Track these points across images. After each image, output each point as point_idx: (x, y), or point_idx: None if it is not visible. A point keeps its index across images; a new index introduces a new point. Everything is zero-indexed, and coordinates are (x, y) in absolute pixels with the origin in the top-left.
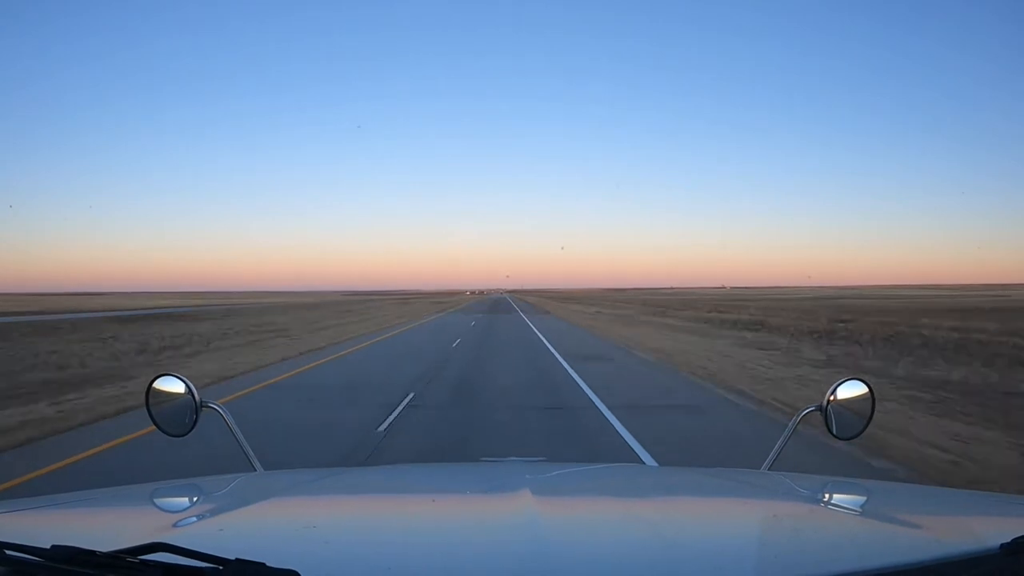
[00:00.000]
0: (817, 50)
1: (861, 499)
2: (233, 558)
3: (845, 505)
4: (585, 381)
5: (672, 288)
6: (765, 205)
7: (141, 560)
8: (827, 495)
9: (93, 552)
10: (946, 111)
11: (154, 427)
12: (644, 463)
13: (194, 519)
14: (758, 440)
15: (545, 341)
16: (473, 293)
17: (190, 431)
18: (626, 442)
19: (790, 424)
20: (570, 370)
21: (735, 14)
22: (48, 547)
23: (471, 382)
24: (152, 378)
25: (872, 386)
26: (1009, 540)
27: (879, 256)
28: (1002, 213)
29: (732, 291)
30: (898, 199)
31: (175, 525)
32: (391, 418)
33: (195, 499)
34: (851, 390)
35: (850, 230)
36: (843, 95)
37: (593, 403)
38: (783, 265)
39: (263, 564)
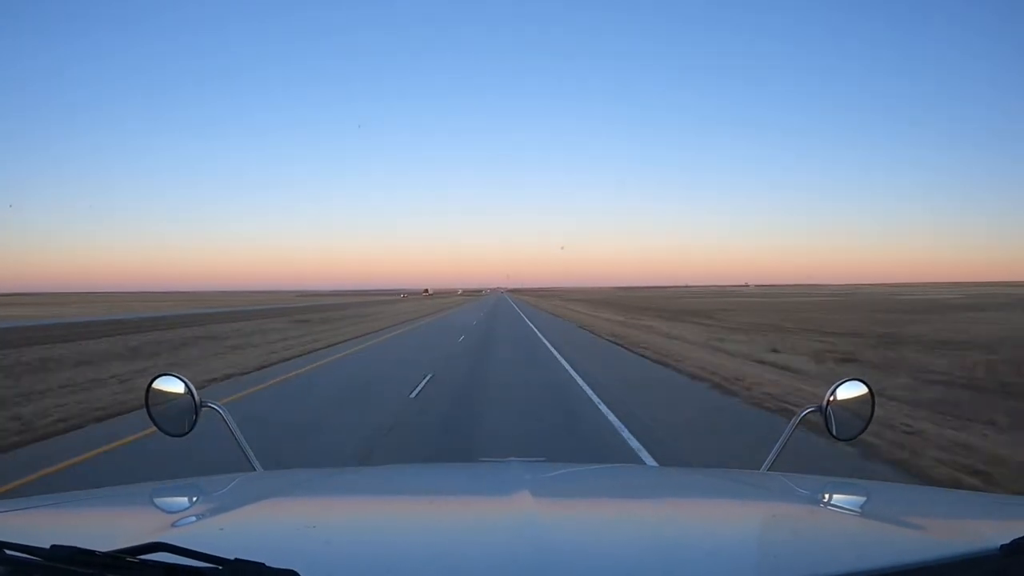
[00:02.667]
0: (839, 43)
1: (861, 499)
2: (233, 558)
3: (845, 505)
4: None
5: (687, 286)
6: (788, 201)
7: (141, 560)
8: (827, 495)
9: (93, 552)
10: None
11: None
12: (644, 464)
13: (194, 519)
14: None
15: None
16: (426, 294)
17: (190, 431)
18: None
19: (789, 424)
20: None
21: (746, 9)
22: (48, 547)
23: None
24: (151, 378)
25: (872, 387)
26: (1009, 540)
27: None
28: None
29: (756, 289)
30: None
31: (175, 525)
32: None
33: (195, 499)
34: (851, 391)
35: (866, 228)
36: (857, 90)
37: None
38: (808, 263)
39: (263, 564)
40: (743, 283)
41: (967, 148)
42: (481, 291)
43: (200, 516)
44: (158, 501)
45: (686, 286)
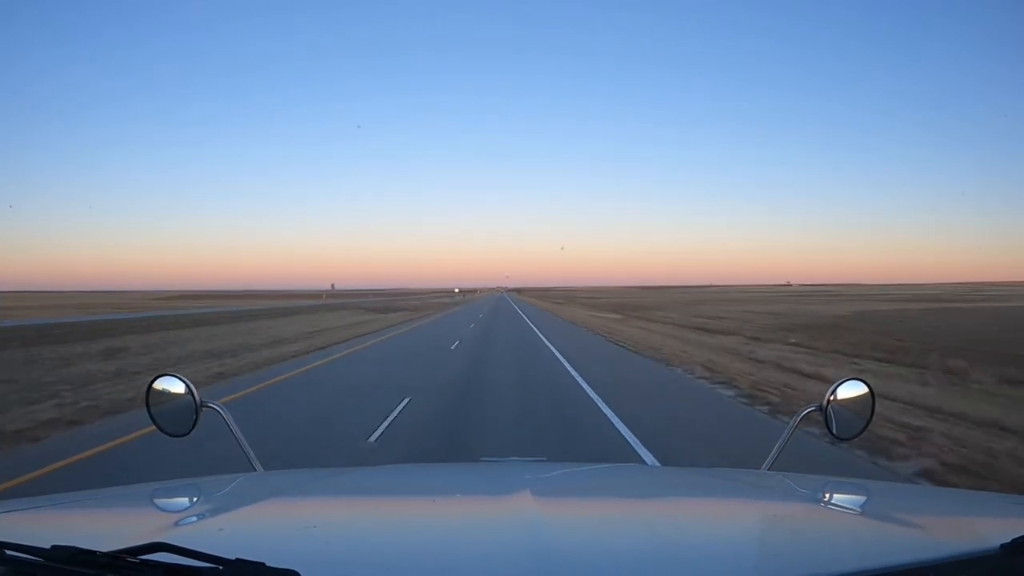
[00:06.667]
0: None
1: (861, 499)
2: (233, 558)
3: (845, 505)
4: None
5: (711, 286)
6: (825, 199)
7: (141, 560)
8: (827, 495)
9: (93, 552)
10: None
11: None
12: (644, 463)
13: (194, 519)
14: None
15: None
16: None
17: (190, 431)
18: None
19: (790, 424)
20: None
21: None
22: (48, 547)
23: None
24: (152, 378)
25: (872, 386)
26: (1009, 540)
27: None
28: None
29: (799, 288)
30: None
31: (175, 525)
32: None
33: (195, 499)
34: (851, 390)
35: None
36: (875, 86)
37: None
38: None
39: (263, 564)
40: (785, 282)
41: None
42: (477, 290)
43: (200, 516)
44: (158, 501)
45: (709, 285)
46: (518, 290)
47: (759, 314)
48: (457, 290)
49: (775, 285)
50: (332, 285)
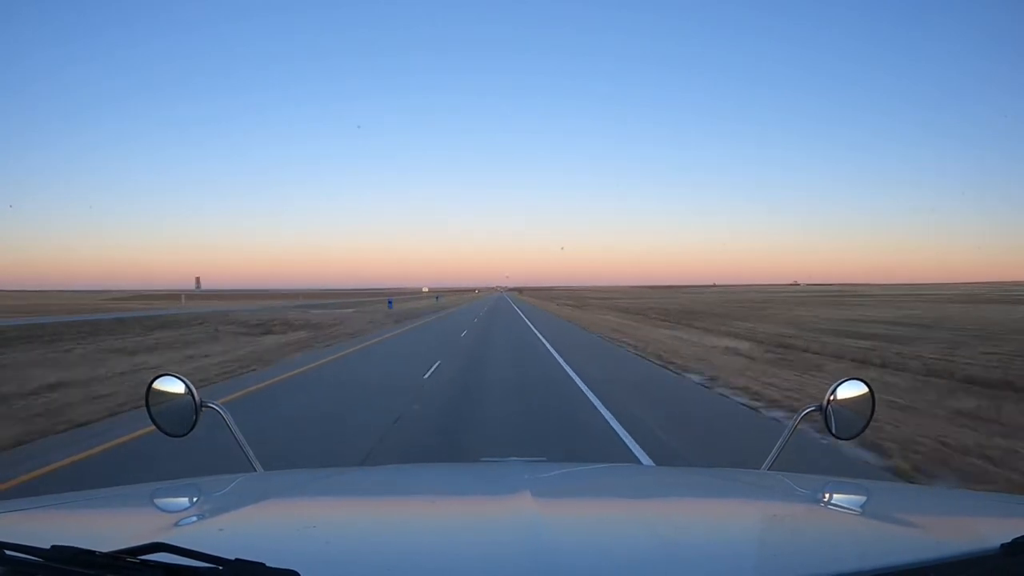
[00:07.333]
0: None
1: (861, 499)
2: (233, 558)
3: (845, 505)
4: None
5: (714, 284)
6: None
7: (141, 560)
8: (827, 495)
9: (93, 552)
10: None
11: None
12: (643, 464)
13: (194, 519)
14: None
15: None
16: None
17: (190, 431)
18: None
19: (790, 424)
20: None
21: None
22: (48, 547)
23: None
24: (152, 378)
25: (872, 386)
26: (1009, 540)
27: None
28: None
29: (808, 288)
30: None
31: (175, 525)
32: None
33: (195, 499)
34: (851, 390)
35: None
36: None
37: None
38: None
39: (263, 564)
40: (792, 282)
41: None
42: (474, 290)
43: (200, 516)
44: (158, 501)
45: (712, 285)
46: (519, 289)
47: (883, 324)
48: (426, 289)
49: (781, 285)
50: (197, 280)
